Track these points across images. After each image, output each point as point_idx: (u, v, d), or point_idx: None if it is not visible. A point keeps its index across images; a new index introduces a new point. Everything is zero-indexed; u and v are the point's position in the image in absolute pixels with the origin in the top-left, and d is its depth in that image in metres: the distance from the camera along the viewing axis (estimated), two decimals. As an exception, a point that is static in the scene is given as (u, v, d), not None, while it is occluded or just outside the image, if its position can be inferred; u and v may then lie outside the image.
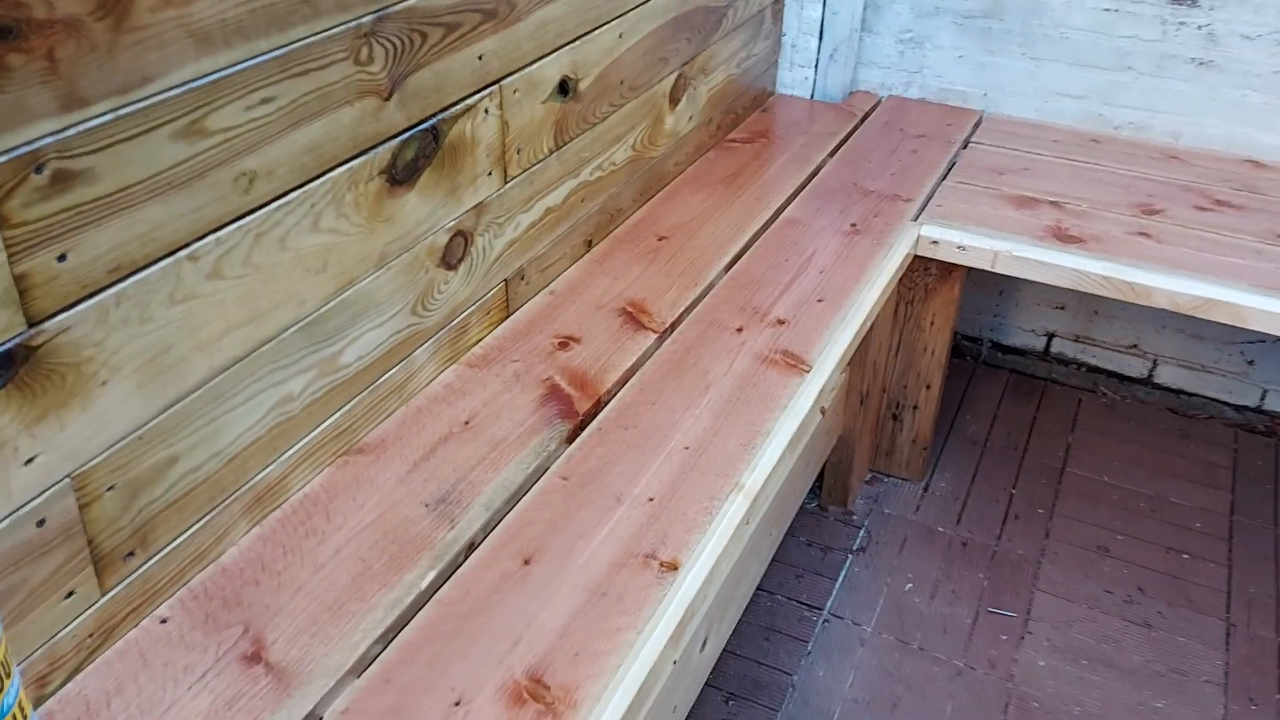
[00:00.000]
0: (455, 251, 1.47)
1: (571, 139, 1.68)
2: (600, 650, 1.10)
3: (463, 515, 1.26)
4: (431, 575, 1.18)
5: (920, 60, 2.52)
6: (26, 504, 0.92)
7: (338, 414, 1.32)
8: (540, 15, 1.50)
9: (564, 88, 1.62)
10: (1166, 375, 2.59)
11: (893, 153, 2.30)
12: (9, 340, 0.87)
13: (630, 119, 1.86)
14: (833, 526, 2.19)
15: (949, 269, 2.07)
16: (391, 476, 1.32)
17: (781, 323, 1.69)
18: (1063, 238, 1.97)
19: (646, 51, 1.84)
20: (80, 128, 0.88)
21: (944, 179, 2.19)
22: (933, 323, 2.14)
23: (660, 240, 1.91)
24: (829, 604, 2.00)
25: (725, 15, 2.12)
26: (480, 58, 1.39)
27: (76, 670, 1.03)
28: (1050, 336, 2.70)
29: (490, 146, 1.47)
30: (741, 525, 1.31)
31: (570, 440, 1.41)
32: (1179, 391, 2.59)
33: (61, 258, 0.89)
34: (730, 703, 1.80)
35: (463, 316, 1.53)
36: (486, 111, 1.44)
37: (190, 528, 1.13)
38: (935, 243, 2.00)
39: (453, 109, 1.37)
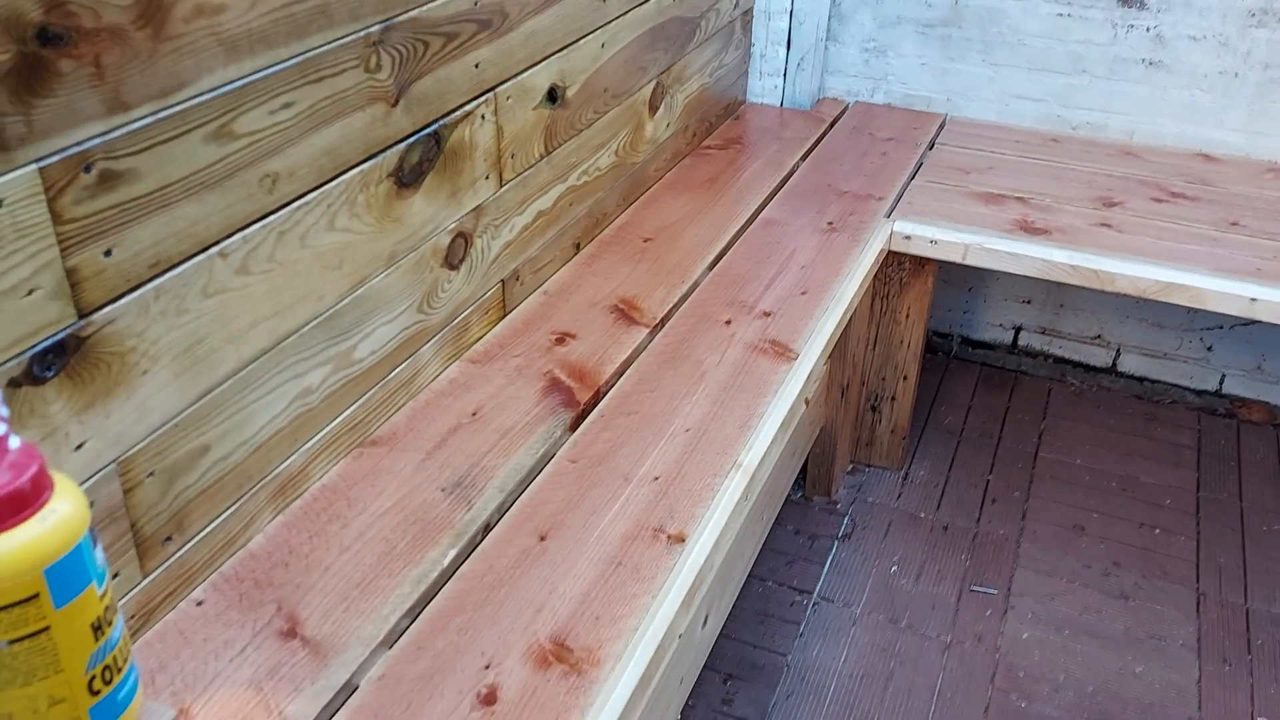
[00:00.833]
0: (457, 252, 1.53)
1: (560, 144, 1.76)
2: (619, 615, 1.16)
3: (478, 498, 1.32)
4: (453, 553, 1.24)
5: (884, 68, 2.63)
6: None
7: (353, 407, 1.37)
8: (530, 25, 1.57)
9: (552, 95, 1.69)
10: (1130, 364, 2.69)
11: (863, 155, 2.39)
12: (61, 331, 0.92)
13: (613, 125, 1.94)
14: (818, 515, 2.27)
15: (922, 263, 2.16)
16: (407, 465, 1.38)
17: (768, 314, 1.77)
18: (1029, 230, 2.06)
19: (627, 60, 1.92)
20: (124, 130, 0.94)
21: (913, 178, 2.29)
22: (908, 316, 2.23)
23: (645, 242, 1.99)
24: (819, 588, 2.08)
25: (698, 26, 2.21)
26: (477, 65, 1.46)
27: (120, 650, 1.07)
28: (1018, 330, 2.80)
29: (487, 151, 1.54)
30: (741, 501, 1.38)
31: (574, 428, 1.48)
32: (1143, 379, 2.70)
33: (108, 253, 0.95)
34: (729, 683, 1.87)
35: (464, 315, 1.60)
36: (483, 117, 1.51)
37: (221, 514, 1.18)
38: (908, 238, 2.09)
39: (453, 115, 1.44)
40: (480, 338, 1.66)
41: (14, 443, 0.55)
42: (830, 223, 2.09)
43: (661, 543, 1.27)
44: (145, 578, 1.09)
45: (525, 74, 1.59)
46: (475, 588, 1.19)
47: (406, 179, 1.37)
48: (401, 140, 1.34)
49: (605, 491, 1.35)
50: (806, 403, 2.00)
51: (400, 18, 1.28)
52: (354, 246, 1.29)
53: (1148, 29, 2.34)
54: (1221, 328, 2.56)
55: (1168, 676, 1.89)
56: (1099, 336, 2.70)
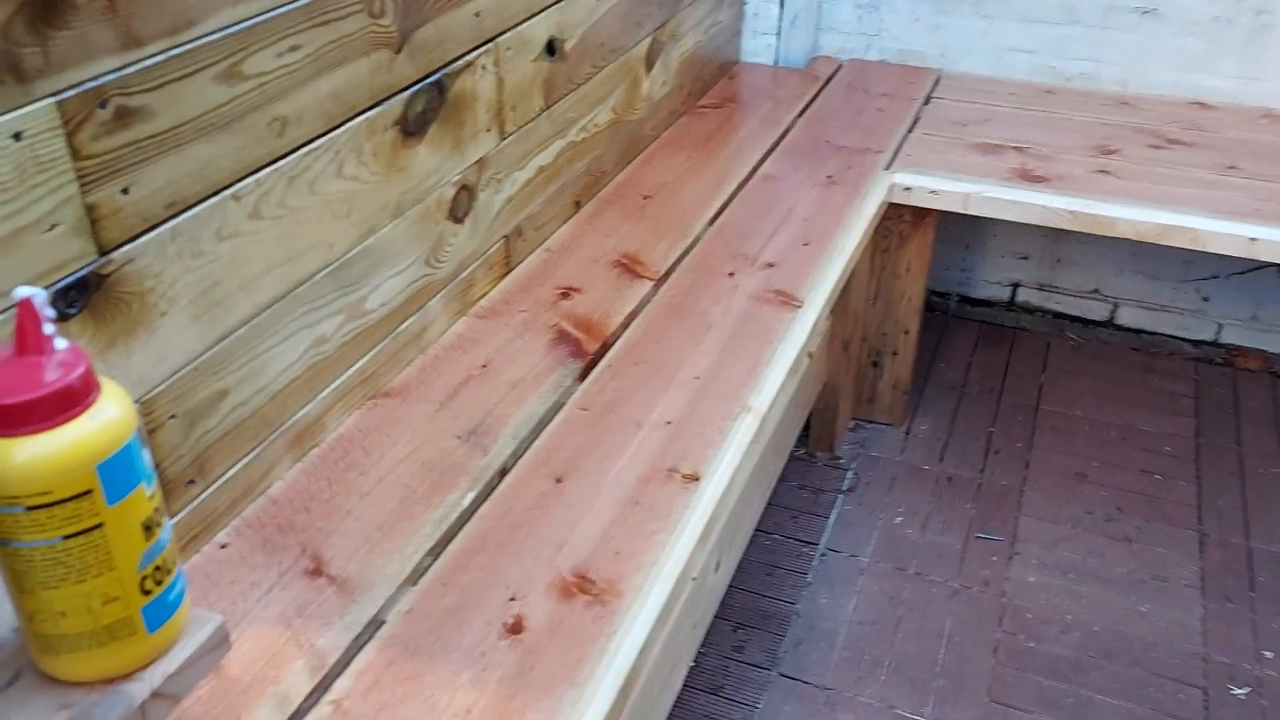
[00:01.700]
0: (461, 205, 1.54)
1: (559, 98, 1.76)
2: (638, 549, 1.18)
3: (493, 444, 1.33)
4: (471, 495, 1.25)
5: (878, 24, 2.63)
6: (101, 426, 0.98)
7: (365, 358, 1.38)
8: (530, -22, 1.57)
9: (551, 48, 1.69)
10: (1127, 317, 2.71)
11: (859, 111, 2.40)
12: (83, 268, 0.93)
13: (610, 81, 1.94)
14: (822, 471, 2.28)
15: (922, 215, 2.17)
16: (420, 415, 1.38)
17: (770, 265, 1.78)
18: (1029, 178, 2.08)
19: (623, 15, 1.92)
20: (137, 66, 0.94)
21: (910, 132, 2.29)
22: (908, 269, 2.25)
23: (645, 199, 1.99)
24: (825, 540, 2.09)
25: (694, -16, 2.21)
26: (477, 14, 1.46)
27: (146, 593, 1.08)
28: (1015, 286, 2.81)
29: (489, 103, 1.54)
30: (752, 443, 1.39)
31: (583, 377, 1.49)
32: (1140, 331, 2.72)
33: (125, 191, 0.95)
34: (739, 631, 1.88)
35: (470, 270, 1.60)
36: (484, 68, 1.51)
37: (241, 459, 1.18)
38: (908, 189, 2.10)
39: (455, 64, 1.44)
40: (485, 294, 1.66)
41: (60, 343, 0.55)
42: (829, 176, 2.10)
43: (676, 482, 1.28)
44: (170, 520, 1.09)
45: (524, 25, 1.60)
46: (496, 527, 1.20)
47: (411, 128, 1.37)
48: (405, 88, 1.34)
49: (618, 437, 1.36)
50: (810, 356, 2.01)
51: (403, -36, 1.28)
52: (362, 195, 1.29)
53: (1140, -22, 2.35)
54: (1217, 278, 2.58)
55: (1172, 615, 1.92)
56: (1096, 291, 2.71)
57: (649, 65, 2.10)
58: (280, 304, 1.19)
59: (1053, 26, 2.47)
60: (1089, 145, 2.20)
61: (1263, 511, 2.15)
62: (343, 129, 1.24)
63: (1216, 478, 2.25)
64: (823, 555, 2.06)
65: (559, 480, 1.28)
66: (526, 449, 1.33)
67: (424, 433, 1.35)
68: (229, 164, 1.07)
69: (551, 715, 0.98)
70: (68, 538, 0.55)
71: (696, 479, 1.29)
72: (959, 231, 2.77)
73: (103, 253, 0.94)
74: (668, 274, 1.75)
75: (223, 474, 1.17)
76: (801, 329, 1.61)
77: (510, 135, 1.64)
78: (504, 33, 1.55)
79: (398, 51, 1.31)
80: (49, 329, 0.55)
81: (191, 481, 1.12)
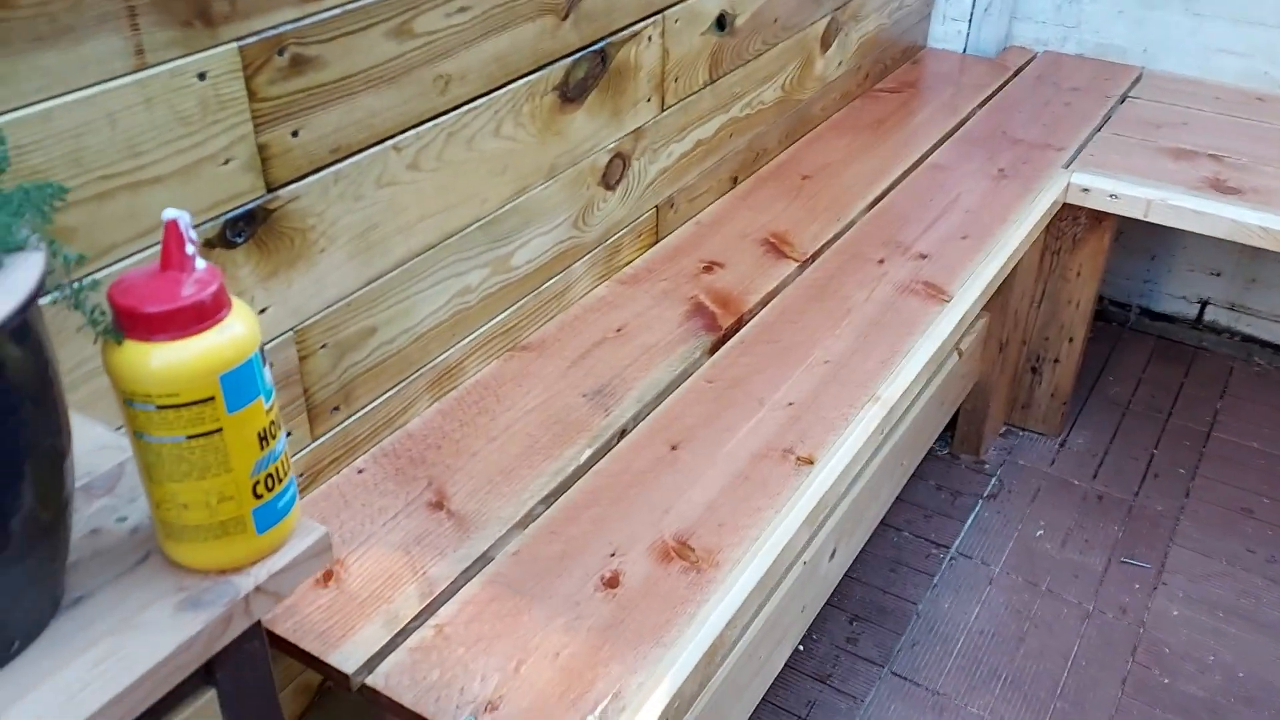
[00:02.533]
0: (614, 172, 1.58)
1: (725, 73, 1.77)
2: (742, 524, 1.19)
3: (616, 405, 1.37)
4: (589, 452, 1.29)
5: (1078, 15, 2.50)
6: (257, 348, 1.08)
7: (507, 311, 1.45)
8: (705, -49, 1.59)
9: (721, 22, 1.70)
10: (1328, 346, 2.50)
11: (1045, 105, 2.30)
12: (252, 201, 1.02)
13: (781, 59, 1.93)
14: (964, 473, 2.22)
15: (1098, 219, 2.07)
16: (553, 371, 1.44)
17: (924, 256, 1.74)
18: (1221, 189, 1.94)
19: (802, -5, 1.91)
20: (315, 18, 1.02)
21: (1098, 130, 2.18)
22: (1079, 274, 2.14)
23: (804, 179, 1.98)
24: (957, 543, 2.04)
25: (880, -36, 2.17)
26: (649, -13, 1.49)
27: (286, 505, 1.18)
28: (1204, 304, 2.63)
29: (651, 73, 1.57)
30: (875, 433, 1.38)
31: (713, 351, 1.51)
32: (1341, 363, 2.49)
33: (295, 133, 1.03)
34: (854, 623, 1.87)
35: (617, 236, 1.64)
36: (650, 39, 1.54)
37: (384, 394, 1.27)
38: (1086, 190, 2.00)
39: (620, 33, 1.47)
40: (631, 261, 1.70)
41: (200, 264, 0.62)
42: (1001, 169, 2.02)
43: (790, 463, 1.29)
44: (314, 441, 1.19)
45: (695, -1, 1.61)
46: (608, 485, 1.25)
47: (571, 94, 1.42)
48: (568, 55, 1.39)
49: (739, 412, 1.37)
50: (959, 353, 1.95)
51: (576, -66, 1.32)
52: (517, 155, 1.35)
53: (1382, -22, 2.14)
54: None
55: (1331, 671, 1.78)
56: (1294, 315, 2.51)
57: (825, 45, 2.08)
58: (431, 252, 1.27)
59: (1270, 30, 2.28)
60: (1297, 158, 2.03)
61: None
62: (503, 90, 1.29)
63: (1407, 532, 2.05)
64: (952, 559, 2.01)
65: (674, 448, 1.31)
66: (648, 414, 1.37)
67: (554, 388, 1.40)
68: (393, 116, 1.14)
69: (634, 669, 1.02)
70: (191, 438, 0.62)
71: (811, 462, 1.29)
72: (1145, 240, 2.61)
73: (270, 189, 1.03)
74: (815, 256, 1.74)
75: (366, 405, 1.25)
76: (947, 324, 1.57)
77: (670, 107, 1.66)
78: (673, 4, 1.57)
79: (564, 18, 1.35)
80: (190, 249, 0.61)
81: (336, 408, 1.21)
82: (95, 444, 0.79)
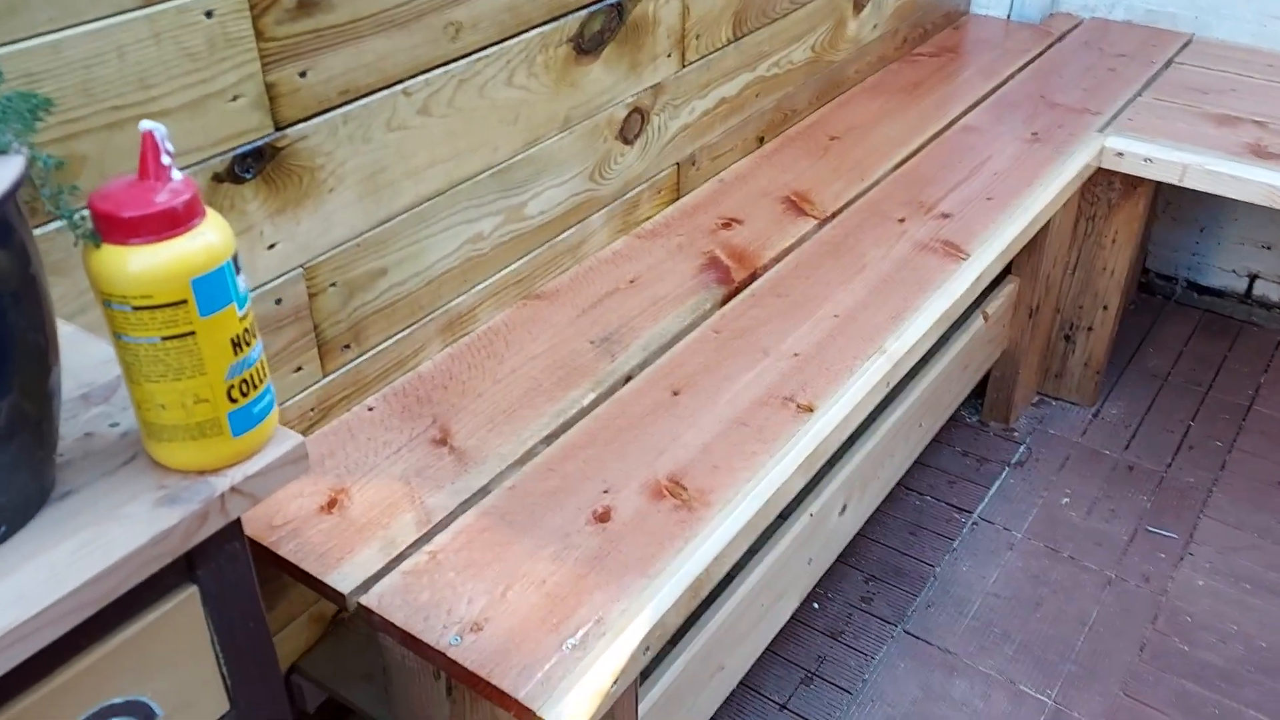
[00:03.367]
0: (632, 127, 1.60)
1: (750, 31, 1.77)
2: (736, 467, 1.22)
3: (622, 352, 1.40)
4: (592, 396, 1.32)
5: (1125, -22, 2.44)
6: (268, 282, 1.12)
7: (520, 261, 1.48)
8: (727, -94, 1.59)
9: (747, -20, 1.71)
10: (1382, 322, 2.42)
11: (1088, 70, 2.26)
12: (260, 139, 1.06)
13: (811, 19, 1.93)
14: (992, 441, 2.21)
15: (1134, 184, 2.03)
16: (563, 319, 1.47)
17: (946, 216, 1.73)
18: (1262, 154, 1.89)
19: (832, -47, 1.90)
20: (323, -36, 1.05)
21: (1139, 95, 2.14)
22: (1114, 241, 2.11)
23: (832, 140, 1.98)
24: (979, 509, 2.03)
25: (917, -76, 2.14)
26: (667, -58, 1.50)
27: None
28: (1253, 278, 2.57)
29: (670, 29, 1.59)
30: (880, 385, 1.39)
31: (724, 303, 1.52)
32: (1395, 340, 2.42)
33: (303, 74, 1.07)
34: (870, 583, 1.88)
35: (636, 191, 1.66)
36: (670, -5, 1.55)
37: (395, 335, 1.31)
38: (1120, 155, 1.96)
39: (639, -12, 1.49)
40: (650, 216, 1.72)
41: (176, 175, 0.66)
42: (1034, 133, 2.00)
43: (790, 411, 1.30)
44: (324, 377, 1.24)
45: (717, -45, 1.62)
46: (607, 427, 1.28)
47: (586, 46, 1.44)
48: (584, 7, 1.41)
49: (743, 361, 1.39)
50: (985, 317, 1.94)
51: (590, -115, 1.33)
52: (529, 105, 1.38)
53: None
54: None
55: (1358, 646, 1.74)
56: (1346, 289, 2.44)
57: (858, 7, 2.07)
58: (442, 197, 1.30)
59: (1329, -12, 2.20)
60: (1346, 123, 1.97)
61: None
62: (516, 40, 1.32)
63: None
64: (974, 524, 2.00)
65: (676, 393, 1.33)
66: (653, 361, 1.39)
67: (562, 334, 1.44)
68: (403, 60, 1.18)
69: (616, 598, 1.05)
70: (166, 339, 0.66)
71: (811, 410, 1.30)
72: (1193, 211, 2.56)
73: (279, 128, 1.07)
74: (835, 215, 1.74)
75: (377, 345, 1.30)
76: (962, 281, 1.57)
77: (692, 63, 1.67)
78: (693, -40, 1.58)
79: (578, -30, 1.37)
80: (166, 160, 0.65)
81: (347, 346, 1.25)
82: (99, 359, 0.84)
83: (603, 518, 1.14)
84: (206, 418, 0.70)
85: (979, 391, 2.26)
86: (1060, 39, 2.43)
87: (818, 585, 1.87)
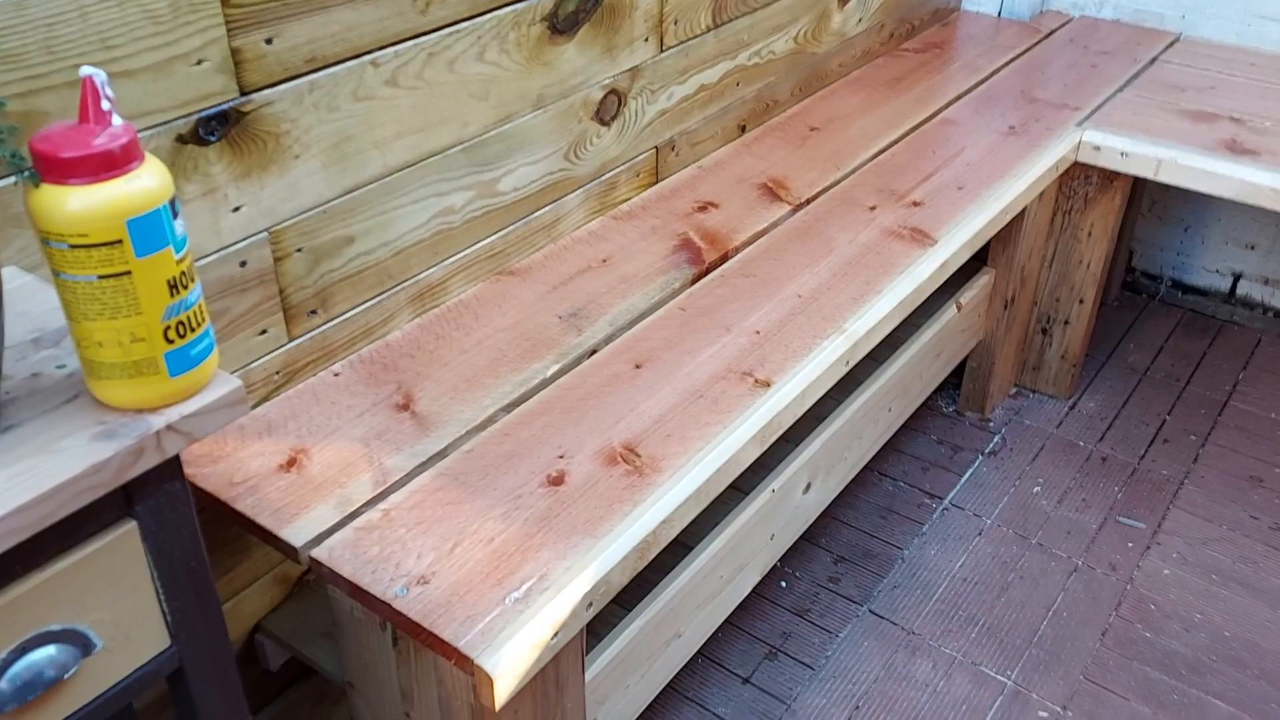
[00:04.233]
0: (609, 108, 1.62)
1: (730, 20, 1.80)
2: (689, 436, 1.24)
3: (589, 327, 1.43)
4: (555, 367, 1.35)
5: (1112, -24, 2.46)
6: (233, 245, 1.15)
7: (493, 236, 1.51)
8: (704, -107, 1.62)
9: (725, -32, 1.73)
10: (1363, 322, 2.43)
11: (1070, 66, 2.27)
12: (225, 103, 1.09)
13: (793, 9, 1.95)
14: (967, 430, 2.23)
15: (1110, 178, 2.05)
16: (533, 295, 1.50)
17: (916, 204, 1.76)
18: (1236, 150, 1.91)
19: (813, -56, 1.92)
20: (290, -65, 1.08)
21: (1119, 92, 2.16)
22: (1090, 234, 2.13)
23: (812, 130, 2.00)
24: (951, 495, 2.05)
25: (902, -82, 2.16)
26: (642, -74, 1.53)
27: (264, 399, 1.26)
28: (1237, 278, 2.58)
29: (648, 13, 1.61)
30: (839, 363, 1.41)
31: (694, 283, 1.55)
32: (1376, 340, 2.43)
33: (269, 40, 1.10)
34: (839, 564, 1.90)
35: (613, 173, 1.69)
36: (646, -21, 1.58)
37: (363, 303, 1.34)
38: (1097, 148, 1.98)
39: (613, -29, 1.51)
40: (627, 199, 1.75)
41: (116, 120, 0.69)
42: (1011, 126, 2.02)
43: (747, 385, 1.33)
44: (290, 341, 1.27)
45: (694, -59, 1.64)
46: (566, 396, 1.30)
47: (560, 26, 1.46)
48: (557, -13, 1.43)
49: (705, 337, 1.42)
50: (959, 306, 1.96)
51: None
52: (501, 81, 1.41)
53: None
54: None
55: (1319, 637, 1.75)
56: (1328, 289, 2.45)
57: (843, 1, 2.09)
58: (411, 169, 1.33)
59: (1312, -12, 2.22)
60: (1322, 120, 1.98)
61: None
62: (488, 16, 1.35)
63: None
64: (945, 510, 2.02)
65: (638, 366, 1.36)
66: (618, 336, 1.42)
67: (530, 309, 1.46)
68: (370, 31, 1.21)
69: (562, 555, 1.07)
70: (102, 278, 0.69)
71: (768, 385, 1.33)
72: (1178, 210, 2.57)
73: (244, 93, 1.10)
74: (808, 201, 1.77)
75: (344, 313, 1.33)
76: (927, 266, 1.59)
77: (670, 49, 1.70)
78: (669, -55, 1.60)
79: (551, -49, 1.40)
80: (105, 105, 0.68)
81: (313, 312, 1.28)
82: (53, 306, 0.87)
83: (556, 481, 1.17)
84: (143, 356, 0.73)
85: (956, 382, 2.28)
86: (1047, 36, 2.45)
87: (786, 565, 1.90)
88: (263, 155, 1.15)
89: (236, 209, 1.14)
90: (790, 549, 1.92)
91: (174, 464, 0.79)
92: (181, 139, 1.06)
